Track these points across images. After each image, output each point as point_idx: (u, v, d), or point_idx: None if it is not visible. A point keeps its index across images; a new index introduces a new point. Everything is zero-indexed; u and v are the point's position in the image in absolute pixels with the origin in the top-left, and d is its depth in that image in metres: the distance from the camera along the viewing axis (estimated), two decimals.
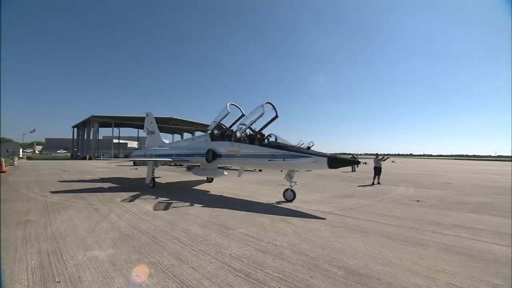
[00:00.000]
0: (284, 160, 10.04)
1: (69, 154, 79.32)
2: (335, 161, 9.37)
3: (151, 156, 16.88)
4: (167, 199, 10.83)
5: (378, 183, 17.03)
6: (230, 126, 12.81)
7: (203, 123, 67.00)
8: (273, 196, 11.74)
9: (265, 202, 10.36)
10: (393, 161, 68.11)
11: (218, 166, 14.30)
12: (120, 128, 71.03)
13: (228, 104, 12.28)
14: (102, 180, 17.66)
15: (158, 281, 4.00)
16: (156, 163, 15.18)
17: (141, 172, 25.15)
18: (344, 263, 4.68)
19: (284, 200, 10.49)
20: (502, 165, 60.15)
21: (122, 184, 15.54)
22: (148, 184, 13.90)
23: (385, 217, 8.17)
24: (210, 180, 16.48)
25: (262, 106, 10.68)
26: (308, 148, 21.52)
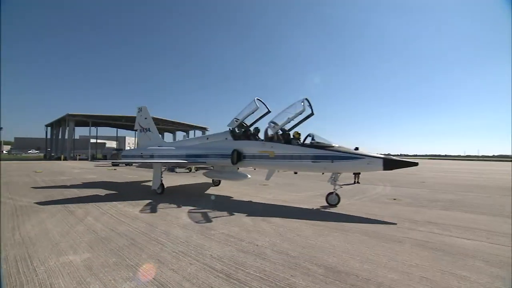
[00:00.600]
0: (332, 162, 9.17)
1: (42, 155, 75.53)
2: (392, 162, 8.73)
3: (152, 156, 14.73)
4: (202, 210, 9.00)
5: (358, 182, 17.49)
6: (252, 124, 11.56)
7: (185, 123, 66.13)
8: (254, 195, 11.78)
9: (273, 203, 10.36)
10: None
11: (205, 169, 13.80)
12: (98, 128, 68.46)
13: (255, 99, 11.08)
14: (87, 185, 15.39)
15: (137, 285, 3.90)
16: (158, 166, 12.64)
17: (121, 173, 24.42)
18: (324, 261, 4.76)
19: (266, 199, 10.54)
20: (471, 164, 64.03)
21: (117, 190, 13.48)
22: (156, 190, 11.96)
23: (362, 215, 8.40)
24: (217, 184, 14.88)
25: (302, 102, 9.85)
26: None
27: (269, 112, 11.12)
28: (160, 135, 17.61)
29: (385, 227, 7.13)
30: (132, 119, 60.17)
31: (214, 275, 4.21)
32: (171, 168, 28.33)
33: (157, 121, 60.68)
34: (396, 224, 7.43)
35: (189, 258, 4.87)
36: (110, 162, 28.07)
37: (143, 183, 16.49)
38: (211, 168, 13.81)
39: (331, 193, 9.77)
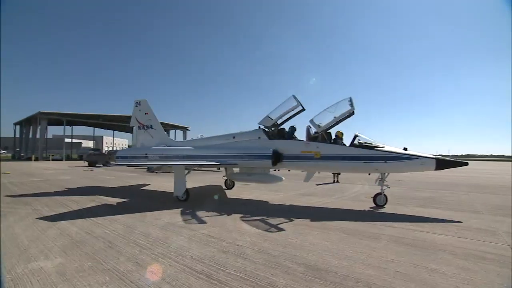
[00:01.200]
0: (385, 163, 8.99)
1: (9, 155, 71.39)
2: (444, 162, 8.75)
3: (162, 157, 12.92)
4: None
5: (337, 181, 17.89)
6: (282, 123, 11.08)
7: (165, 122, 64.57)
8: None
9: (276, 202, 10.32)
10: None
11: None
12: (74, 127, 65.54)
13: (293, 96, 10.63)
14: (74, 191, 13.19)
15: None
16: (181, 168, 10.83)
17: (99, 174, 23.57)
18: (304, 260, 4.84)
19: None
20: None
21: (123, 197, 11.41)
22: (179, 196, 10.43)
23: (344, 214, 8.62)
24: (231, 187, 14.07)
25: (351, 102, 9.56)
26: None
27: (303, 110, 10.71)
28: (166, 133, 14.99)
29: (363, 224, 7.33)
30: (110, 118, 58.66)
31: (194, 276, 4.16)
32: (151, 169, 27.71)
33: (125, 118, 59.20)
34: (374, 221, 7.67)
35: (168, 260, 4.79)
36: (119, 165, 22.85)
37: (143, 188, 15.21)
38: (212, 169, 13.10)
39: (379, 193, 9.71)
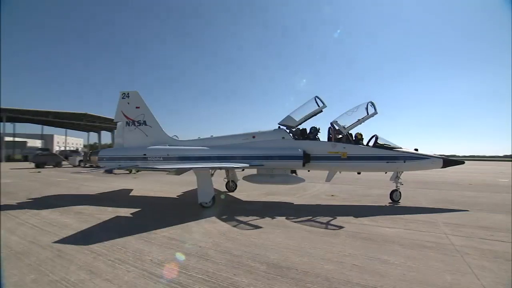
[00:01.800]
0: (404, 162, 9.84)
1: None
2: (448, 161, 10.16)
3: (168, 158, 11.41)
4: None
5: None
6: (300, 122, 10.87)
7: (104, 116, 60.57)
8: None
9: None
10: None
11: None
12: (16, 124, 58.96)
13: (316, 98, 10.70)
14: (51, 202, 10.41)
15: None
16: (207, 171, 9.85)
17: (50, 176, 21.56)
18: (267, 258, 4.92)
19: None
20: None
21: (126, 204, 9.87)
22: (206, 203, 9.36)
23: (305, 212, 8.91)
24: (233, 189, 13.37)
25: (374, 106, 10.18)
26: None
27: (321, 111, 10.78)
28: (164, 131, 12.77)
29: (324, 221, 7.66)
30: (62, 116, 53.68)
31: (153, 281, 4.02)
32: (109, 170, 26.00)
33: (93, 118, 55.18)
34: (334, 217, 8.04)
35: (126, 265, 4.56)
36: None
37: (132, 194, 13.03)
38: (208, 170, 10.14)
39: (395, 190, 10.43)
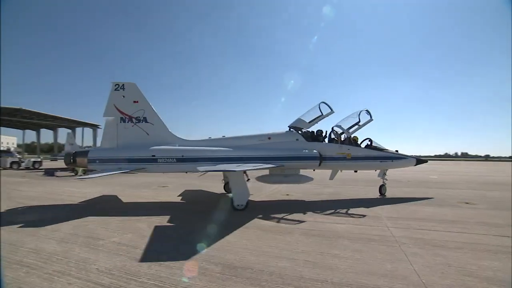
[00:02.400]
0: (392, 161, 11.54)
1: None
2: (419, 161, 12.48)
3: (189, 159, 10.53)
4: None
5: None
6: (311, 125, 11.51)
7: (71, 118, 55.48)
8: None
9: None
10: None
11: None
12: None
13: (327, 104, 11.45)
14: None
15: None
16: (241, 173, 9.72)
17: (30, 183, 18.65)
18: (222, 259, 4.89)
19: None
20: None
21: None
22: (242, 205, 9.23)
23: (262, 211, 9.04)
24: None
25: (370, 113, 11.72)
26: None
27: (322, 117, 11.45)
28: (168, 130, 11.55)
29: (279, 220, 7.86)
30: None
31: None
32: (50, 172, 23.49)
33: (30, 114, 49.12)
34: (289, 216, 8.30)
35: (67, 277, 4.16)
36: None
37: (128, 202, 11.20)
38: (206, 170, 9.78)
39: (383, 185, 12.36)
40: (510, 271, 4.47)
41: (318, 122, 11.53)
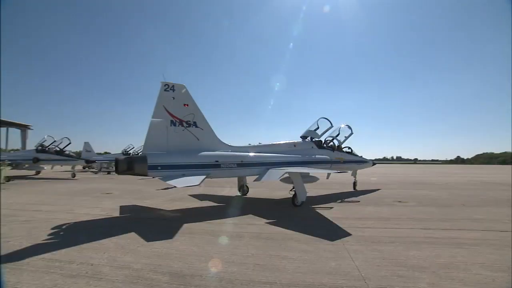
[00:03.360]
0: (363, 164, 15.83)
1: None
2: (374, 164, 17.23)
3: (247, 164, 11.24)
4: None
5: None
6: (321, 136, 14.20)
7: (18, 122, 47.82)
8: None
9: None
10: None
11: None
12: None
13: (324, 118, 14.09)
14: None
15: None
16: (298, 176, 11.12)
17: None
18: (170, 268, 4.67)
19: None
20: None
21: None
22: (303, 202, 10.91)
23: (212, 217, 8.89)
24: (246, 192, 14.33)
25: (350, 128, 14.94)
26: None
27: (316, 129, 14.15)
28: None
29: (230, 225, 7.82)
30: None
31: None
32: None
33: None
34: (240, 220, 8.30)
35: None
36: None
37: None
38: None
39: (355, 181, 16.16)
40: (510, 268, 4.94)
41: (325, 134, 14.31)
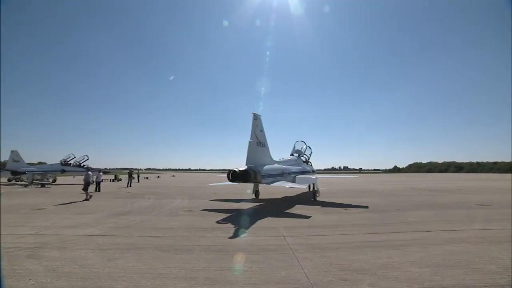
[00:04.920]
0: (315, 174, 21.62)
1: None
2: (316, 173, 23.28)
3: (300, 173, 18.29)
4: None
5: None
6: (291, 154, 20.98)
7: None
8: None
9: None
10: (173, 176, 72.77)
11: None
12: None
13: (303, 142, 21.67)
14: None
15: None
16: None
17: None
18: None
19: None
20: None
21: None
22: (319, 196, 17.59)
23: (160, 230, 8.43)
24: (258, 195, 17.66)
25: (310, 148, 22.19)
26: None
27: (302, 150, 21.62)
28: None
29: (179, 239, 7.47)
30: None
31: None
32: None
33: None
34: (190, 233, 7.99)
35: None
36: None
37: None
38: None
39: (317, 190, 17.77)
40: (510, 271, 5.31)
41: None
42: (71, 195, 18.56)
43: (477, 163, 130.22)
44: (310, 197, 17.13)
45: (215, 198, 17.52)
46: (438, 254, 6.01)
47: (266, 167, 14.13)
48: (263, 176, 13.48)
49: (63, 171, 33.53)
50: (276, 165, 15.71)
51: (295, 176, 16.40)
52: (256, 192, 17.48)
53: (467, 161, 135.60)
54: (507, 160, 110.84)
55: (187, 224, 9.40)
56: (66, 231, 8.39)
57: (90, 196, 17.13)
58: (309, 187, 18.77)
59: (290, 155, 20.14)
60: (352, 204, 14.41)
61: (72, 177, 35.92)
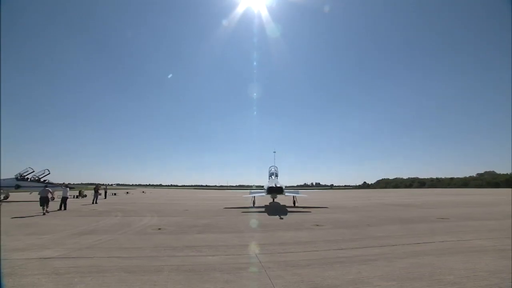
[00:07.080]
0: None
1: None
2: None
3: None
4: None
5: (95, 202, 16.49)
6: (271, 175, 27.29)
7: None
8: None
9: None
10: (143, 192, 69.67)
11: None
12: None
13: (275, 167, 27.63)
14: None
15: None
16: None
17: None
18: None
19: None
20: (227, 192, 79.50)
21: None
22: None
23: (127, 250, 7.95)
24: (253, 205, 23.81)
25: (276, 167, 27.69)
26: None
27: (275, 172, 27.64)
28: None
29: (146, 259, 7.09)
30: None
31: None
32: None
33: None
34: (156, 254, 7.62)
35: None
36: None
37: None
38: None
39: (295, 201, 23.98)
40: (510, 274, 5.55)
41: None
42: (25, 213, 17.01)
43: (437, 179, 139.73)
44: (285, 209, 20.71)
45: (186, 216, 16.96)
46: (403, 267, 6.24)
47: (283, 185, 22.90)
48: (285, 191, 22.81)
49: (17, 187, 31.03)
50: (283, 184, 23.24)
51: (290, 190, 25.86)
52: (254, 203, 24.46)
53: (428, 177, 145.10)
54: (461, 176, 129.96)
55: (156, 243, 8.97)
56: (15, 254, 7.60)
57: (47, 211, 15.85)
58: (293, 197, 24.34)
59: (269, 177, 26.97)
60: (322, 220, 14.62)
61: (29, 193, 32.92)
